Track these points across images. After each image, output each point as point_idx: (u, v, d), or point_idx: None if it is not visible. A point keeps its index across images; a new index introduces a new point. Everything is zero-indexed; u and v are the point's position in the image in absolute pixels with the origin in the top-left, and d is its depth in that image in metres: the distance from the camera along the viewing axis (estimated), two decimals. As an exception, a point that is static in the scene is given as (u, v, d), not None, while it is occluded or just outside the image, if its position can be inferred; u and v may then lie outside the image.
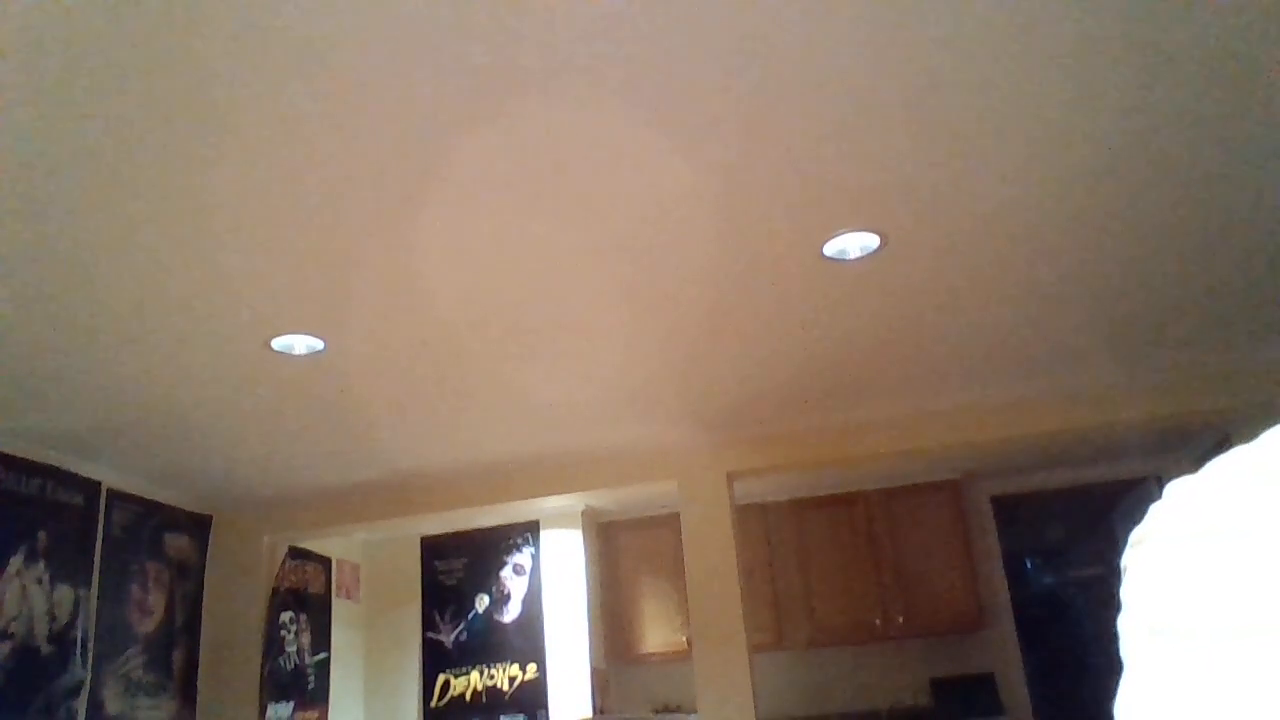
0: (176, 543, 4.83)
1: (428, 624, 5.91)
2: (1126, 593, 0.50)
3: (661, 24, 1.88)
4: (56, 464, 4.06)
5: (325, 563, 5.74)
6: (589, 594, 5.72)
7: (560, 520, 5.83)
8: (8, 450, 3.83)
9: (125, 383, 3.41)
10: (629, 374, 3.80)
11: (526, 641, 5.68)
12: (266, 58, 1.87)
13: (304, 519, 5.14)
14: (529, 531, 5.84)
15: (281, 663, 5.13)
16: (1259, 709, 0.41)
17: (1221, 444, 5.29)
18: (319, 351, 3.29)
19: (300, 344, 3.22)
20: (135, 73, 1.88)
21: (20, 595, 3.79)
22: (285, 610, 5.22)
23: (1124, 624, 0.50)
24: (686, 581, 4.72)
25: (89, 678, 4.11)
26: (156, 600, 4.62)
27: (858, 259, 2.94)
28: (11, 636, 3.72)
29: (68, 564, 4.06)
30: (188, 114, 2.02)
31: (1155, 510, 0.51)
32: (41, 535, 3.93)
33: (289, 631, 5.23)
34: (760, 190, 2.51)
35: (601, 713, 5.53)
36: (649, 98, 2.10)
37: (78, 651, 4.06)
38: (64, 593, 4.02)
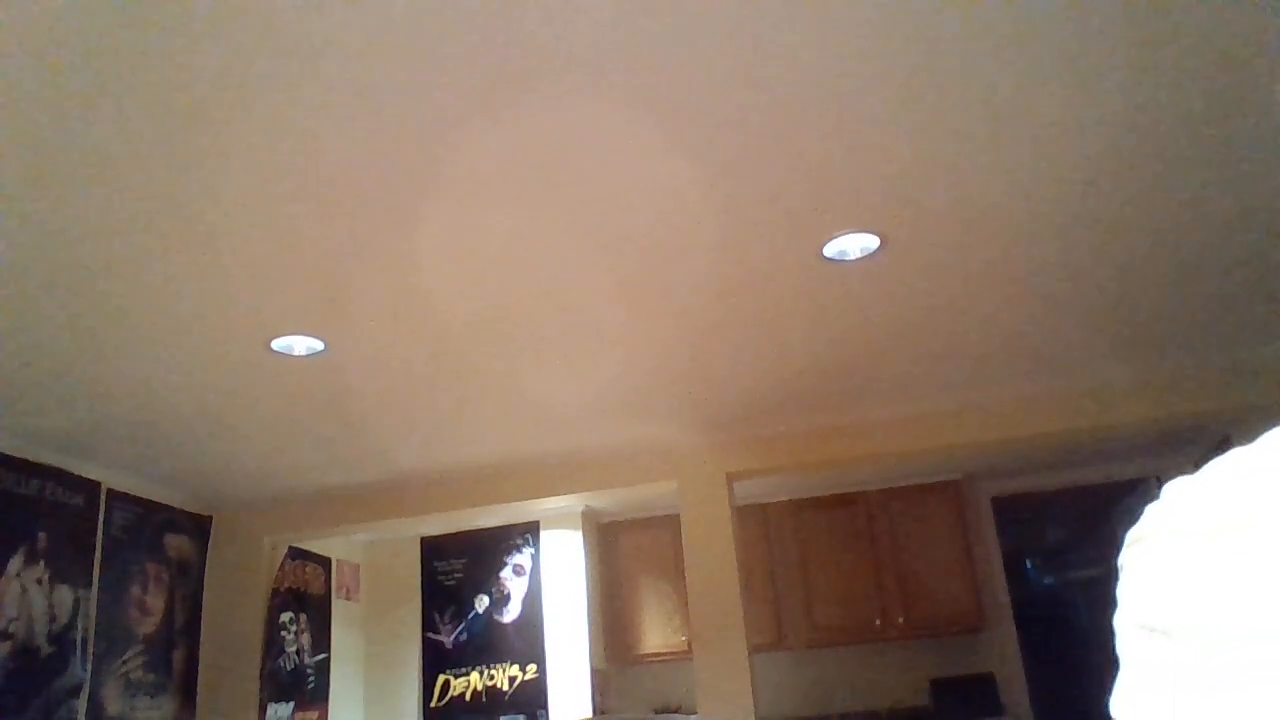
0: (176, 543, 4.83)
1: (428, 624, 5.91)
2: (1121, 590, 0.51)
3: (663, 25, 1.88)
4: (56, 464, 4.06)
5: (325, 563, 5.74)
6: (589, 594, 5.72)
7: (560, 521, 5.83)
8: (7, 451, 3.83)
9: (125, 383, 3.41)
10: (629, 374, 3.80)
11: (526, 642, 5.67)
12: (267, 57, 1.87)
13: (304, 519, 5.14)
14: (529, 532, 5.84)
15: (281, 663, 5.12)
16: (1250, 708, 0.41)
17: (1222, 445, 5.29)
18: (319, 352, 3.29)
19: (300, 344, 3.22)
20: (135, 73, 1.88)
21: (20, 596, 3.79)
22: (285, 610, 5.22)
23: (1119, 621, 0.50)
24: (686, 582, 4.72)
25: (89, 678, 4.11)
26: (156, 601, 4.62)
27: (858, 260, 2.94)
28: (11, 637, 3.72)
29: (67, 564, 4.06)
30: (188, 114, 2.02)
31: (1151, 510, 0.51)
32: (41, 536, 3.93)
33: (289, 632, 5.23)
34: (760, 191, 2.51)
35: (601, 713, 5.53)
36: (650, 98, 2.10)
37: (78, 652, 4.06)
38: (64, 593, 4.02)
